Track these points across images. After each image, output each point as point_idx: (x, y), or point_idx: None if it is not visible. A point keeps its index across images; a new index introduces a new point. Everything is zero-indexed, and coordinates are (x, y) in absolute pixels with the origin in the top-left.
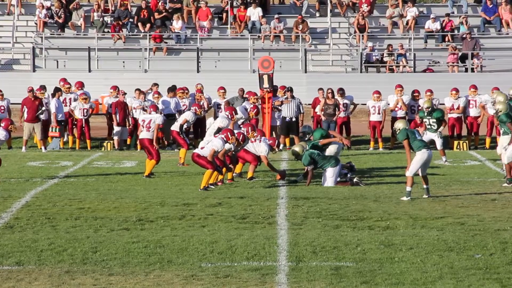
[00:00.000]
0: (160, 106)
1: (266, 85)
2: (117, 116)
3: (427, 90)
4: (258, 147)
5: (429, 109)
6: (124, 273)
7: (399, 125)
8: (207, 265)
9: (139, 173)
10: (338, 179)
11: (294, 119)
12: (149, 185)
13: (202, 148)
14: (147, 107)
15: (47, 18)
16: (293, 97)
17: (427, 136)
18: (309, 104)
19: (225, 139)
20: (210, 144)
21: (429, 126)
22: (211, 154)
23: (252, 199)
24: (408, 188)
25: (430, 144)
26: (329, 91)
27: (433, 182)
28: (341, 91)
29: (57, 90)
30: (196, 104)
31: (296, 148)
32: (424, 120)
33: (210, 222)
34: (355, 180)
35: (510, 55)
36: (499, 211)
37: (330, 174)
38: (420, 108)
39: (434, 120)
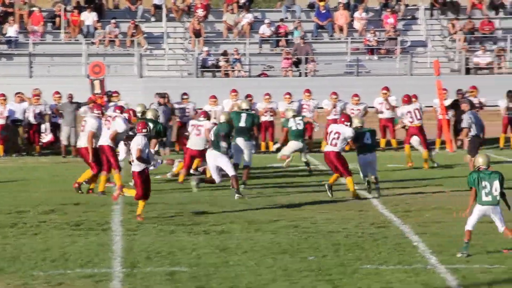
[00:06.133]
0: (6, 113)
1: (97, 90)
2: None
3: (265, 94)
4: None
5: None
6: None
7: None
8: (39, 273)
9: None
10: None
11: None
12: None
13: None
14: None
15: None
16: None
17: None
18: None
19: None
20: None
21: None
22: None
23: (87, 205)
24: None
25: None
26: (158, 97)
27: (267, 185)
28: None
29: None
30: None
31: None
32: None
33: (43, 230)
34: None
35: (342, 60)
36: (331, 213)
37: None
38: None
39: None
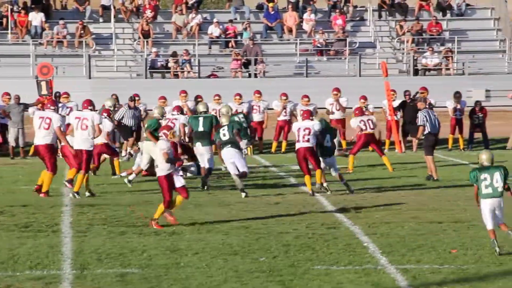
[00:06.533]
0: None
1: (44, 91)
2: None
3: (215, 95)
4: None
5: None
6: None
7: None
8: None
9: None
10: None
11: None
12: None
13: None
14: None
15: None
16: None
17: None
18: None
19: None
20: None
21: None
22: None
23: (35, 207)
24: None
25: None
26: (114, 96)
27: (220, 186)
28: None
29: None
30: None
31: None
32: None
33: None
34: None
35: (292, 61)
36: (282, 214)
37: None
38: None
39: None
